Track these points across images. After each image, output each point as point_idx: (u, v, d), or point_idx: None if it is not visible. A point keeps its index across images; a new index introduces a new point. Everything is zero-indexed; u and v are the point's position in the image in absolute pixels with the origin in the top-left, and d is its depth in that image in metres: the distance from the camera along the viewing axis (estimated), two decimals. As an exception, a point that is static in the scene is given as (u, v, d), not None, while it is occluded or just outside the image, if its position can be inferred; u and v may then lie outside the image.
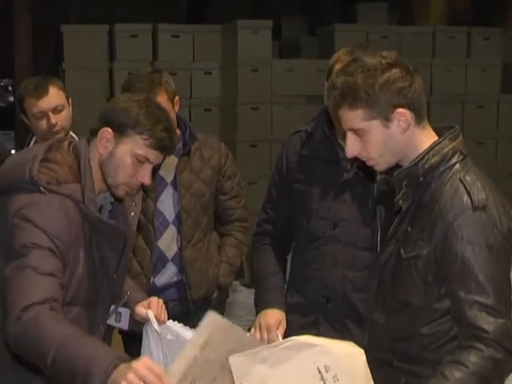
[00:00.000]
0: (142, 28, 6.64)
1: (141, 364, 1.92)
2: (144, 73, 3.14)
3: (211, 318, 2.12)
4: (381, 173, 2.23)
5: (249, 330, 2.72)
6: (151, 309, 2.48)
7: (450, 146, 2.11)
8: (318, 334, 2.34)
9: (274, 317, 2.70)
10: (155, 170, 2.47)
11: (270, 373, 2.09)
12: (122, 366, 1.92)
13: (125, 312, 2.53)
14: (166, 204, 3.20)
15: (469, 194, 2.04)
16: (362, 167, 2.46)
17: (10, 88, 9.00)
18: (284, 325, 2.71)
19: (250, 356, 2.11)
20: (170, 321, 2.50)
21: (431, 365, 2.12)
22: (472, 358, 1.97)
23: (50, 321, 2.06)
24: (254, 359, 2.10)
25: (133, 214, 2.48)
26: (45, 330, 2.03)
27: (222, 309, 3.42)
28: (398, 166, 2.16)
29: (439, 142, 2.11)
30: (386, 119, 2.07)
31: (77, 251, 2.28)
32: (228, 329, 2.16)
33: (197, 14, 8.92)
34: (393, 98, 2.05)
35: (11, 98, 8.73)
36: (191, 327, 2.52)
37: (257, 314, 2.77)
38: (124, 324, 2.55)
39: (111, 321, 2.55)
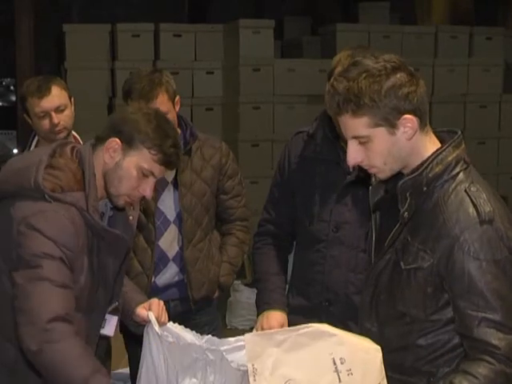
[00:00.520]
0: (144, 27, 6.63)
1: None
2: (144, 73, 3.14)
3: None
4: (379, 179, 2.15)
5: (251, 329, 2.72)
6: (152, 310, 2.47)
7: (454, 155, 2.02)
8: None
9: (277, 319, 2.70)
10: None
11: (284, 358, 2.06)
12: None
13: (110, 318, 2.48)
14: (167, 203, 3.20)
15: (475, 206, 1.97)
16: (364, 169, 2.44)
17: (11, 87, 8.99)
18: (286, 327, 2.68)
19: (266, 337, 2.08)
20: (171, 322, 2.49)
21: (426, 377, 2.06)
22: (482, 371, 1.94)
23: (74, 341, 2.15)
24: (268, 341, 2.07)
25: (131, 217, 2.47)
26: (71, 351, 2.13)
27: (223, 308, 3.42)
28: (398, 172, 2.07)
29: (443, 150, 2.02)
30: (392, 126, 1.97)
31: (82, 259, 2.28)
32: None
33: (199, 14, 8.90)
34: (399, 103, 1.95)
35: (13, 98, 8.72)
36: (192, 327, 2.52)
37: (258, 314, 2.77)
38: (108, 330, 2.48)
39: None
